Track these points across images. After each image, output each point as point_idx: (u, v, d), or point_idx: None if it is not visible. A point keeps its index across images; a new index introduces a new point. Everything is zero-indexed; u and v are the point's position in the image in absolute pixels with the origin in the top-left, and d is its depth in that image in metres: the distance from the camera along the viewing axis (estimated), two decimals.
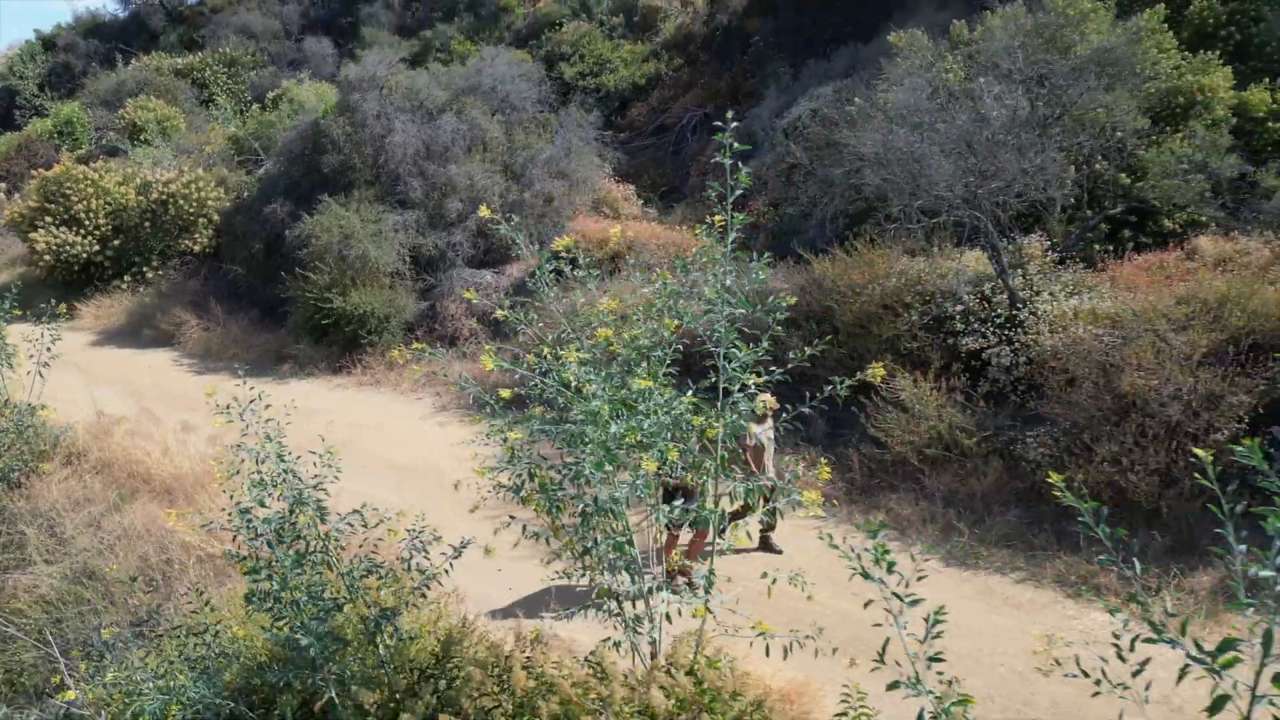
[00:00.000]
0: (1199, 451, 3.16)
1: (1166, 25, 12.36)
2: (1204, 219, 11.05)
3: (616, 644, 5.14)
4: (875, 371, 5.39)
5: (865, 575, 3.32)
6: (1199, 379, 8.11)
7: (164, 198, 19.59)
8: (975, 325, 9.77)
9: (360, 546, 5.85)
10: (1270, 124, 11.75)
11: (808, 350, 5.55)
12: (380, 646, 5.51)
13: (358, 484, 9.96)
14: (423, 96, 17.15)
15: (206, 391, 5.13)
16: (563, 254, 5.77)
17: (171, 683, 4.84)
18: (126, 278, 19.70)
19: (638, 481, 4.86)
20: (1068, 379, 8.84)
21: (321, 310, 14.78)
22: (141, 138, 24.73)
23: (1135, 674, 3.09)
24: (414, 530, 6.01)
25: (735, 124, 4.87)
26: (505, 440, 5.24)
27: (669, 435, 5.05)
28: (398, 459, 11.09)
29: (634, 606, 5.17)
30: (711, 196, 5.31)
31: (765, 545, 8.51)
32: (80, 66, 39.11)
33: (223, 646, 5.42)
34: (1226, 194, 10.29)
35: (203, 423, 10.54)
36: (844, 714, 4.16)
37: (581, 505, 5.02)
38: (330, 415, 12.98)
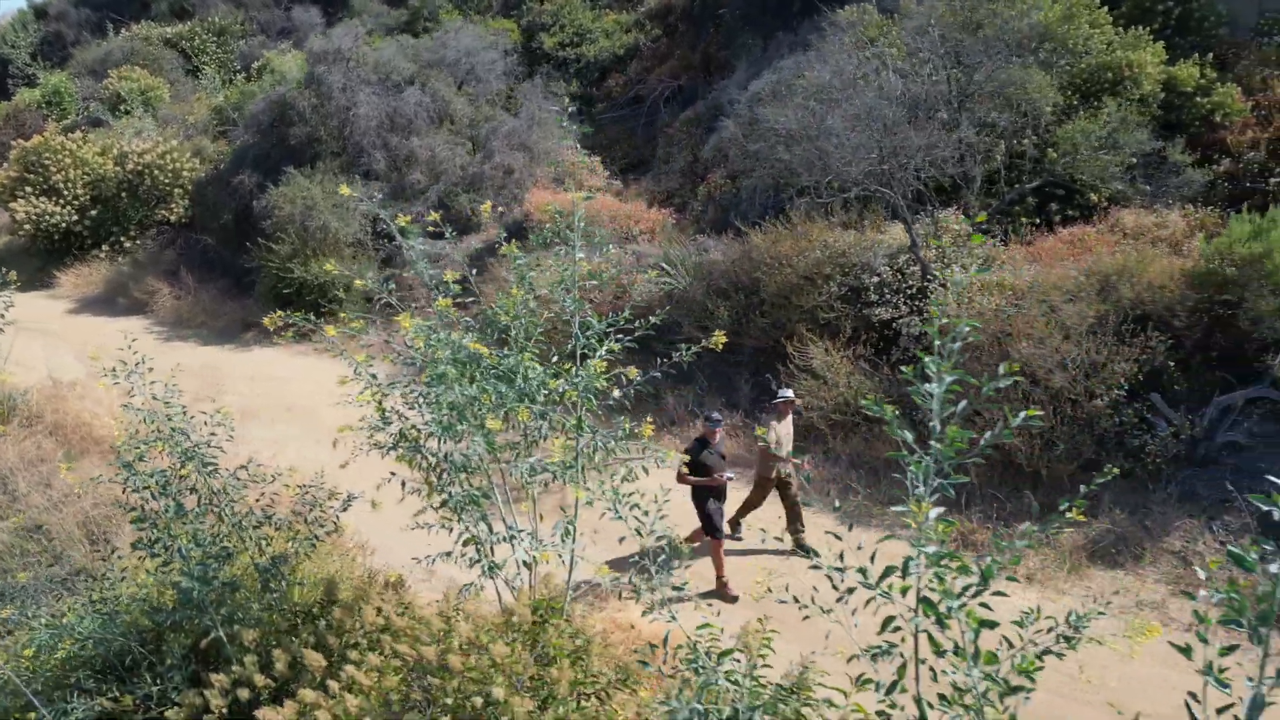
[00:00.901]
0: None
1: (1103, 2, 12.57)
2: (1129, 193, 11.34)
3: (479, 588, 5.62)
4: (717, 339, 5.77)
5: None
6: (1083, 348, 8.48)
7: (140, 168, 19.98)
8: (888, 296, 10.13)
9: (258, 500, 6.31)
10: (1198, 98, 11.98)
11: (692, 346, 5.84)
12: (270, 592, 6.01)
13: (310, 450, 10.47)
14: (389, 69, 17.42)
15: (91, 355, 5.55)
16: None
17: (64, 621, 5.33)
18: (105, 247, 20.16)
19: (485, 438, 5.27)
20: (971, 348, 9.20)
21: (284, 279, 15.21)
22: (122, 108, 25.03)
23: (839, 600, 3.49)
24: (307, 486, 6.49)
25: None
26: (380, 403, 5.69)
27: (518, 398, 5.45)
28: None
29: (493, 552, 5.62)
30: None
31: (800, 547, 8.28)
32: (72, 35, 39.26)
33: (120, 591, 5.91)
34: (1138, 169, 10.55)
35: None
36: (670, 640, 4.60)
37: (436, 461, 5.46)
38: (290, 382, 13.47)
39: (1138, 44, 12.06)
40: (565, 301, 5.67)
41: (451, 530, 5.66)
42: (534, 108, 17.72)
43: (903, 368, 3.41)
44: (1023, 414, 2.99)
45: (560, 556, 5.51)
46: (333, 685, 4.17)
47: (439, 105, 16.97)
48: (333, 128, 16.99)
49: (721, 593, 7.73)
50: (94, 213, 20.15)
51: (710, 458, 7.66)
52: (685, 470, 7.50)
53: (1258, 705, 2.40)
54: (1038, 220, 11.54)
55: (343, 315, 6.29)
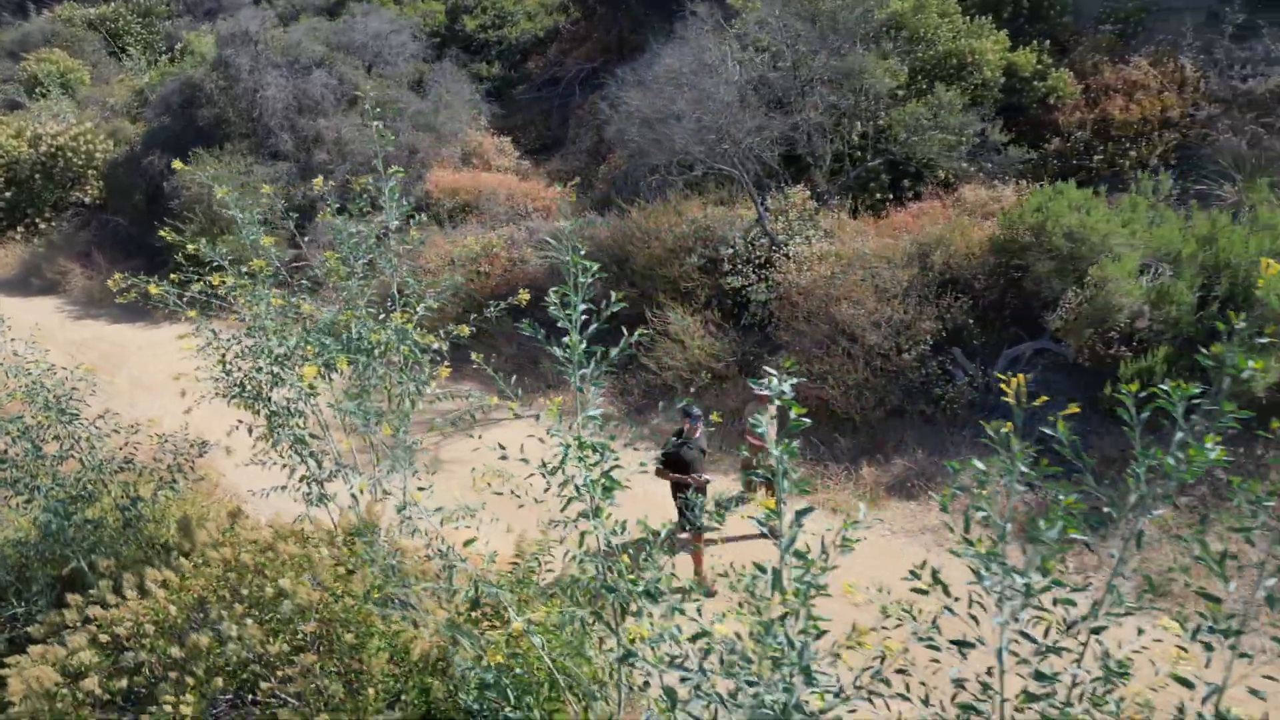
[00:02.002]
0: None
1: None
2: (971, 170, 12.39)
3: (309, 516, 6.40)
4: (461, 330, 6.42)
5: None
6: (895, 309, 9.47)
7: (53, 150, 20.17)
8: (740, 266, 11.04)
9: (121, 449, 7.01)
10: (1035, 82, 13.07)
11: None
12: (129, 528, 6.73)
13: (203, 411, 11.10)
14: (298, 51, 17.87)
15: None
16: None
17: None
18: (20, 228, 20.34)
19: (302, 386, 6.03)
20: (804, 311, 10.16)
21: (189, 257, 15.66)
22: (39, 90, 25.01)
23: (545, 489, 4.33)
24: (167, 436, 7.21)
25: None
26: (223, 356, 6.44)
27: (343, 349, 6.22)
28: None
29: (323, 486, 6.40)
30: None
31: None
32: None
33: None
34: (962, 147, 11.56)
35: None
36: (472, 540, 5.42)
37: (267, 408, 6.22)
38: (185, 354, 14.02)
39: (981, 33, 13.08)
40: (383, 264, 6.44)
41: (292, 469, 6.44)
42: (442, 90, 18.29)
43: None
44: (632, 336, 3.83)
45: (388, 491, 6.31)
46: (150, 583, 4.93)
47: (346, 87, 17.49)
48: (241, 109, 17.42)
49: (701, 587, 7.28)
50: (8, 195, 20.31)
51: (689, 452, 7.46)
52: (662, 466, 7.34)
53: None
54: (891, 196, 12.57)
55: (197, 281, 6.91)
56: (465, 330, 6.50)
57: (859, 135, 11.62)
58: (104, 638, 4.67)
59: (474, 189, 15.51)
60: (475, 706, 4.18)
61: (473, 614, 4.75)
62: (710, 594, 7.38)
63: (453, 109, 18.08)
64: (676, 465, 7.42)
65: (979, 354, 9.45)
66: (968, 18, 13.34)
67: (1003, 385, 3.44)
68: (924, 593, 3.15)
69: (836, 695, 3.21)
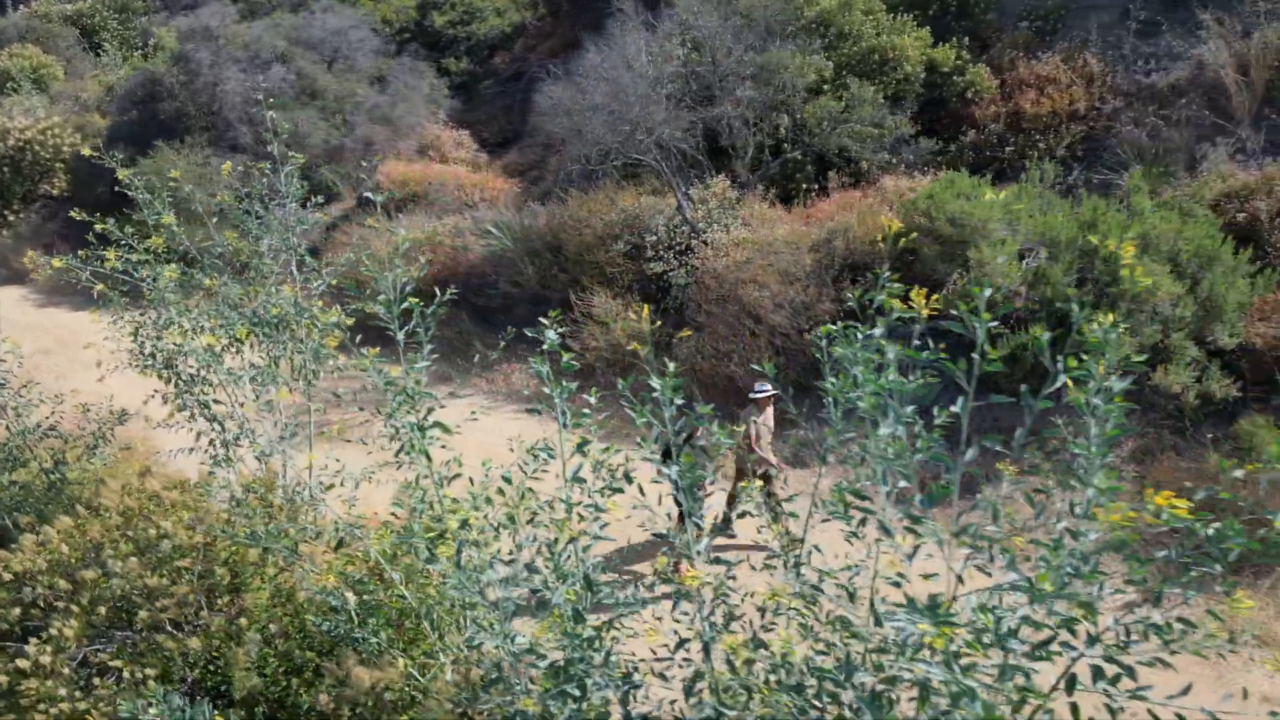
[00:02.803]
0: None
1: None
2: (894, 161, 12.97)
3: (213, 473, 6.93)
4: (364, 306, 6.99)
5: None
6: (797, 292, 10.04)
7: (21, 144, 20.61)
8: (662, 252, 11.59)
9: (48, 418, 7.56)
10: (954, 78, 13.65)
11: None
12: (54, 489, 7.27)
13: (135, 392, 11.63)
14: (258, 47, 18.35)
15: None
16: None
17: None
18: None
19: (205, 356, 6.56)
20: (716, 294, 10.72)
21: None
22: (10, 86, 25.42)
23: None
24: (89, 405, 7.75)
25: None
26: (135, 330, 6.98)
27: (250, 322, 6.75)
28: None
29: (227, 448, 6.93)
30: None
31: (726, 523, 8.01)
32: None
33: None
34: (886, 139, 12.12)
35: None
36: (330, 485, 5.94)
37: (177, 375, 6.75)
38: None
39: (903, 30, 13.65)
40: (281, 241, 6.97)
41: (199, 433, 6.98)
42: (400, 84, 18.79)
43: None
44: (444, 295, 4.36)
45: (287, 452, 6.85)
46: (54, 530, 5.46)
47: (305, 82, 17.98)
48: (201, 103, 17.90)
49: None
50: None
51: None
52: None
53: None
54: (818, 186, 13.13)
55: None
56: (370, 307, 7.04)
57: (782, 128, 12.16)
58: (7, 576, 5.20)
59: (424, 180, 16.02)
60: (325, 626, 4.73)
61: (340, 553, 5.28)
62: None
63: (410, 103, 18.58)
64: None
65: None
66: (892, 15, 13.91)
67: None
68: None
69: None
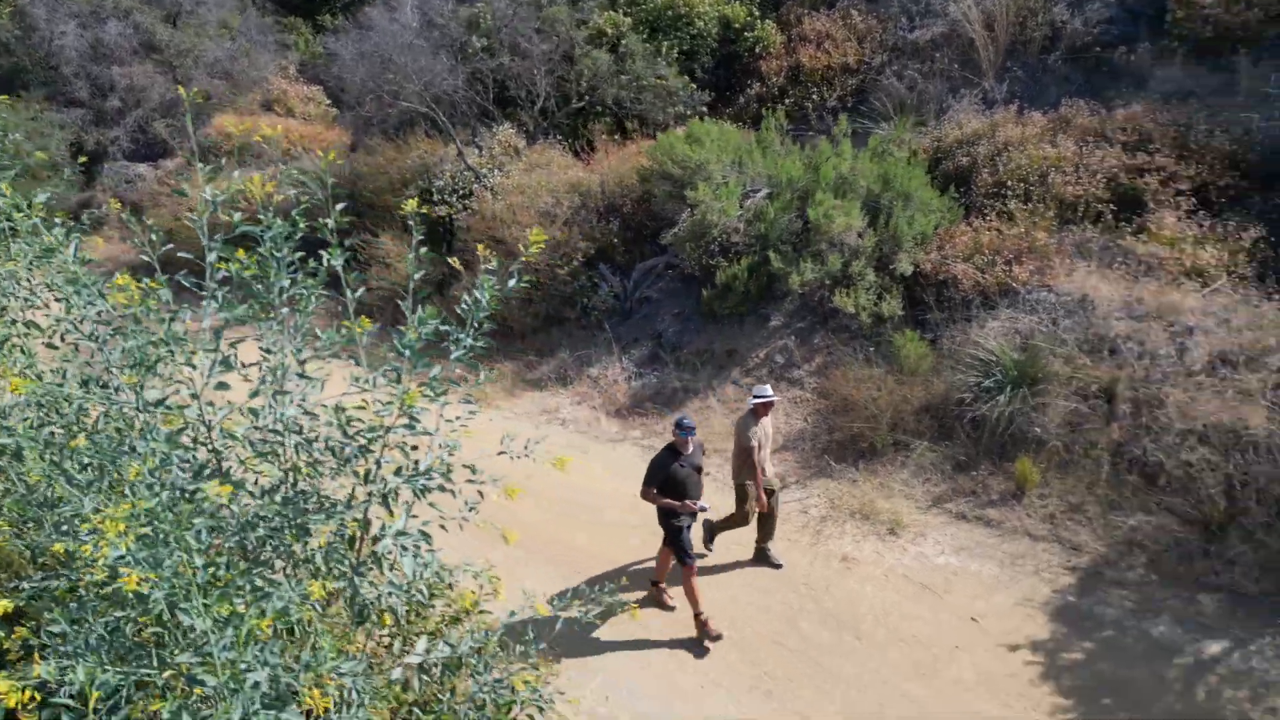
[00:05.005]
0: None
1: None
2: (690, 114, 13.81)
3: None
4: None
5: None
6: (557, 231, 10.87)
7: None
8: (447, 197, 12.31)
9: None
10: (745, 33, 14.50)
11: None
12: None
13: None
14: (99, 2, 18.39)
15: None
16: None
17: None
18: None
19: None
20: (484, 235, 11.49)
21: None
22: None
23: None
24: None
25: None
26: None
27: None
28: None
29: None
30: None
31: (762, 557, 7.32)
32: None
33: None
34: (650, 91, 12.93)
35: None
36: None
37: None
38: None
39: None
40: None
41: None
42: (245, 40, 19.01)
43: None
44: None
45: None
46: None
47: (143, 36, 18.11)
48: (39, 58, 17.95)
49: (703, 632, 6.42)
50: None
51: (681, 471, 6.37)
52: (653, 490, 6.35)
53: None
54: (618, 135, 13.92)
55: None
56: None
57: (568, 80, 12.90)
58: None
59: (251, 133, 16.42)
60: None
61: None
62: (716, 637, 6.40)
63: (252, 57, 18.83)
64: (668, 487, 6.35)
65: (621, 269, 10.92)
66: None
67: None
68: None
69: None
